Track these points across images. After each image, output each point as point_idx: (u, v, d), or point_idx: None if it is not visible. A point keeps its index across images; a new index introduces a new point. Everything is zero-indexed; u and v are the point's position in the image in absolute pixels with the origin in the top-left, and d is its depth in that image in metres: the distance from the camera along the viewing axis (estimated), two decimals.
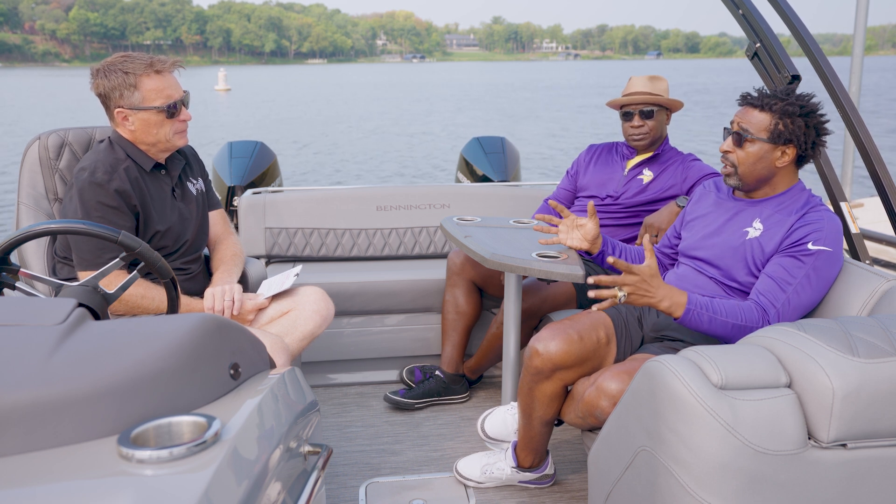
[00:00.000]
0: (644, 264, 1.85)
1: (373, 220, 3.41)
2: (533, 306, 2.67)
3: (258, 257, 3.35)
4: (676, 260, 2.30)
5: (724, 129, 2.07)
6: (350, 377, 3.15)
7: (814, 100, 1.98)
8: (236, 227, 3.36)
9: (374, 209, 3.42)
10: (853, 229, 2.35)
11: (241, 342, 1.23)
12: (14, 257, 2.00)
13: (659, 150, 2.80)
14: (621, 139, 2.91)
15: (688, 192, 2.73)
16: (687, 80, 57.81)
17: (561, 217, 2.26)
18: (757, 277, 1.99)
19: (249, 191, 3.51)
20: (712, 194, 2.22)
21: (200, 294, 2.27)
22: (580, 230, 2.22)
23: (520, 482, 2.33)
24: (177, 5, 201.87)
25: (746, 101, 2.02)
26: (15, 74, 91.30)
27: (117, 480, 0.87)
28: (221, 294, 2.20)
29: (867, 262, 2.33)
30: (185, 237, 2.26)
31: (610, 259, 1.84)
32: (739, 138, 1.99)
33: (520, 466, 2.29)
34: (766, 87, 2.07)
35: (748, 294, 2.01)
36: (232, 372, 1.17)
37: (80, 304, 1.31)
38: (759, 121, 1.97)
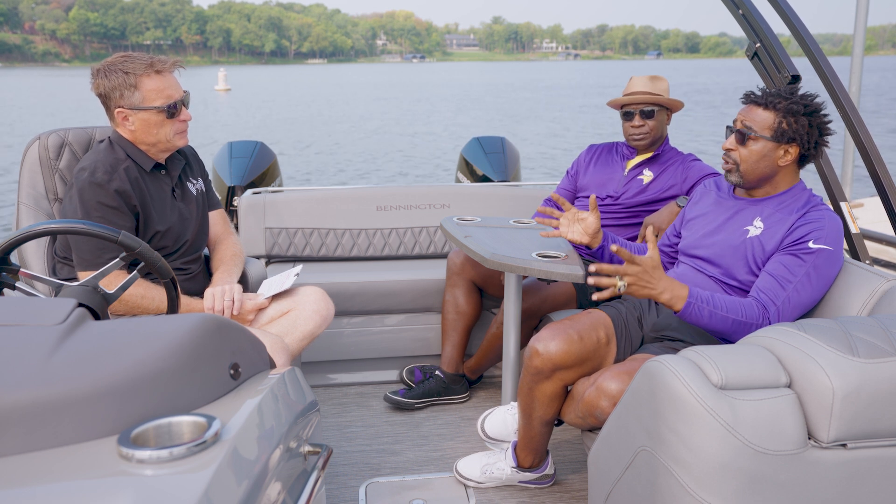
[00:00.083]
0: (646, 255, 1.84)
1: (373, 220, 3.42)
2: (533, 306, 2.67)
3: (258, 257, 3.35)
4: (676, 259, 2.30)
5: (727, 127, 2.07)
6: (350, 377, 3.15)
7: (817, 99, 1.98)
8: (236, 227, 3.36)
9: (374, 209, 3.42)
10: (853, 229, 2.35)
11: (241, 342, 1.23)
12: (14, 257, 2.01)
13: (659, 151, 2.80)
14: (622, 139, 2.91)
15: (688, 192, 2.73)
16: (687, 80, 57.81)
17: (563, 210, 2.25)
18: (757, 276, 1.99)
19: (249, 191, 3.51)
20: (713, 193, 2.22)
21: (200, 294, 2.27)
22: (581, 224, 2.21)
23: (520, 482, 2.33)
24: (177, 5, 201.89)
25: (750, 99, 2.02)
26: (15, 74, 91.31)
27: (117, 480, 0.87)
28: (221, 294, 2.20)
29: (867, 262, 2.33)
30: (185, 237, 2.26)
31: (613, 247, 1.81)
32: (742, 136, 1.99)
33: (520, 466, 2.29)
34: (768, 88, 2.08)
35: (748, 293, 2.01)
36: (232, 372, 1.17)
37: (80, 304, 1.31)
38: (763, 119, 1.97)
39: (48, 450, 0.94)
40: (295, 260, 3.38)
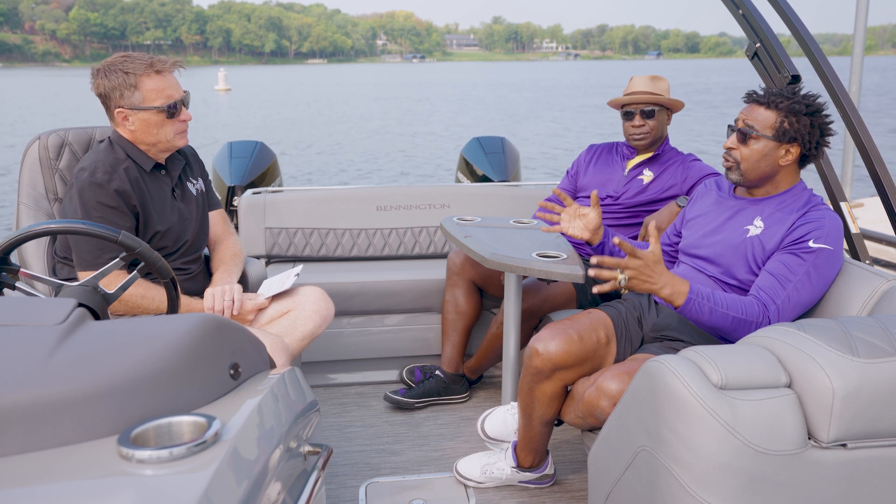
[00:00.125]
0: (648, 250, 1.84)
1: (373, 220, 3.42)
2: (533, 306, 2.67)
3: (258, 257, 3.35)
4: (676, 259, 2.30)
5: (729, 126, 2.07)
6: (350, 377, 3.15)
7: (819, 100, 1.99)
8: (236, 227, 3.36)
9: (374, 209, 3.42)
10: (853, 229, 2.35)
11: (241, 342, 1.23)
12: (14, 257, 2.01)
13: (659, 151, 2.80)
14: (623, 139, 2.91)
15: (688, 192, 2.73)
16: (687, 80, 57.82)
17: (564, 206, 2.25)
18: (757, 276, 1.99)
19: (249, 191, 3.51)
20: (713, 193, 2.22)
21: (200, 294, 2.27)
22: (582, 220, 2.21)
23: (520, 482, 2.33)
24: (177, 5, 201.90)
25: (753, 98, 2.02)
26: (15, 74, 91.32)
27: (117, 480, 0.87)
28: (221, 294, 2.20)
29: (867, 262, 2.33)
30: (185, 237, 2.26)
31: (616, 240, 1.80)
32: (744, 135, 1.99)
33: (520, 466, 2.29)
34: (770, 87, 2.08)
35: (748, 292, 2.01)
36: (232, 372, 1.17)
37: (80, 304, 1.31)
38: (765, 118, 1.97)
39: (48, 450, 0.94)
40: (295, 260, 3.38)
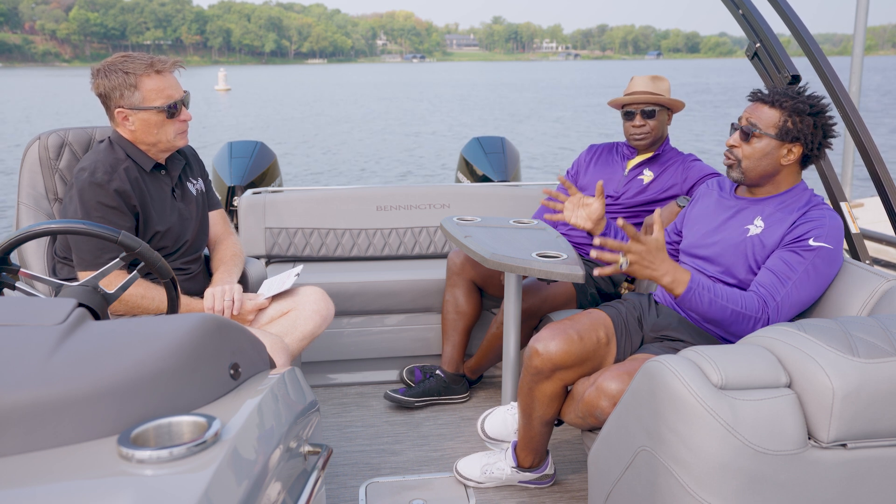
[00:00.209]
0: (652, 236, 1.83)
1: (373, 220, 3.42)
2: (533, 306, 2.67)
3: (258, 257, 3.35)
4: (675, 258, 2.30)
5: (732, 124, 2.08)
6: (350, 377, 3.15)
7: (823, 101, 1.99)
8: (236, 227, 3.36)
9: (374, 209, 3.42)
10: (853, 229, 2.35)
11: (241, 342, 1.23)
12: (14, 257, 2.01)
13: (659, 151, 2.80)
14: (624, 139, 2.91)
15: (688, 192, 2.73)
16: (687, 80, 57.82)
17: (569, 195, 2.24)
18: (756, 275, 2.00)
19: (249, 191, 3.51)
20: (714, 193, 2.22)
21: (200, 294, 2.27)
22: (586, 209, 2.20)
23: (520, 482, 2.33)
24: (177, 5, 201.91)
25: (757, 97, 2.02)
26: (15, 74, 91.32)
27: (117, 480, 0.87)
28: (221, 294, 2.20)
29: (867, 262, 2.33)
30: (185, 237, 2.26)
31: (619, 221, 1.79)
32: (747, 133, 1.99)
33: (520, 466, 2.29)
34: (775, 87, 2.08)
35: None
36: (232, 372, 1.17)
37: (80, 304, 1.31)
38: (769, 117, 1.97)
39: (48, 450, 0.94)
40: (295, 260, 3.38)
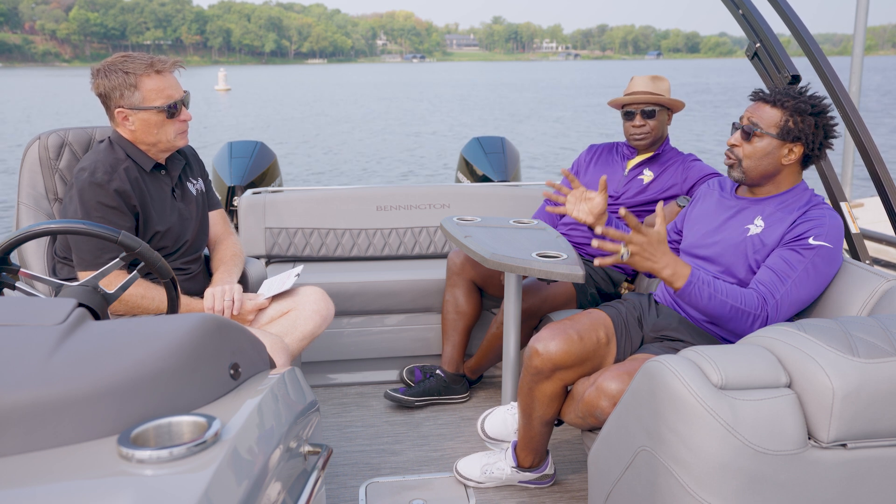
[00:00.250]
0: (654, 229, 1.83)
1: (373, 220, 3.42)
2: (533, 306, 2.67)
3: (258, 257, 3.35)
4: None
5: (733, 124, 2.08)
6: (350, 377, 3.15)
7: (825, 101, 1.99)
8: (236, 227, 3.36)
9: (374, 209, 3.42)
10: (853, 229, 2.35)
11: (241, 342, 1.23)
12: (14, 257, 2.01)
13: (659, 151, 2.81)
14: (624, 139, 2.91)
15: (688, 192, 2.73)
16: (687, 80, 57.83)
17: (572, 188, 2.24)
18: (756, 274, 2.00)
19: (249, 191, 3.51)
20: (715, 193, 2.23)
21: (200, 294, 2.27)
22: (588, 204, 2.20)
23: (520, 482, 2.33)
24: (177, 5, 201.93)
25: (759, 97, 2.03)
26: (15, 74, 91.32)
27: (117, 480, 0.87)
28: (221, 294, 2.20)
29: (867, 262, 2.33)
30: (184, 237, 2.26)
31: (622, 211, 1.78)
32: (748, 133, 1.99)
33: (520, 466, 2.29)
34: (777, 87, 2.08)
35: None
36: (232, 372, 1.17)
37: (80, 304, 1.31)
38: (770, 116, 1.97)
39: (48, 450, 0.94)
40: (295, 260, 3.38)
